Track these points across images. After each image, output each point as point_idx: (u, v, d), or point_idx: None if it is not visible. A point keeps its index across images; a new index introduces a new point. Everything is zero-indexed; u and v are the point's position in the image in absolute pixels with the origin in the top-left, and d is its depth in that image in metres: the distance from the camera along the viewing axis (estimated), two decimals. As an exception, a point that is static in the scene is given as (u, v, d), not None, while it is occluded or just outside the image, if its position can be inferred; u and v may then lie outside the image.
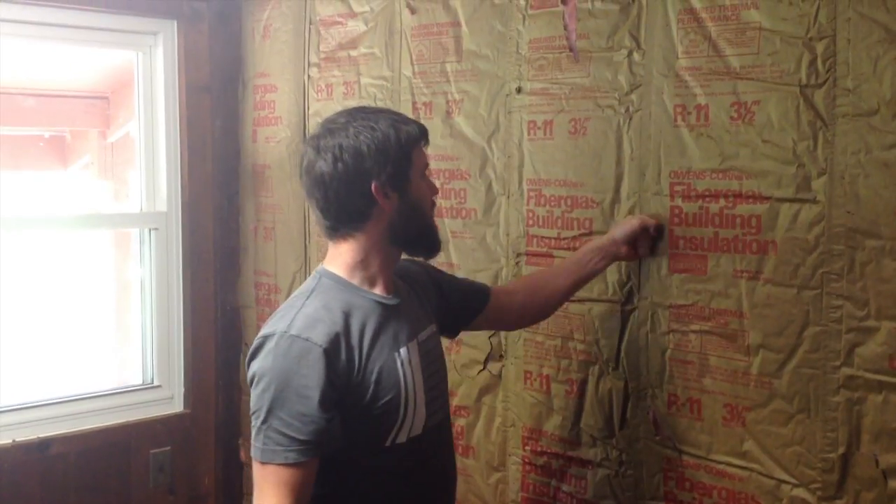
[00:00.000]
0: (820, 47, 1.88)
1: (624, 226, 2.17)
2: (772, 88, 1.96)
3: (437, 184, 2.48)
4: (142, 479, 3.26)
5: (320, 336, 1.74)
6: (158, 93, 3.34)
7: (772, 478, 2.01)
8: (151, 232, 3.35)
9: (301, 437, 1.71)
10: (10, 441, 2.99)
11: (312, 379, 1.71)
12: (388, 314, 1.87)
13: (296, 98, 3.17)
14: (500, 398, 2.57)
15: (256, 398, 1.76)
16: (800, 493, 1.96)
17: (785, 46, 1.94)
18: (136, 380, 3.41)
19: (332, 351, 1.74)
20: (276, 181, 3.29)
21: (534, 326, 2.44)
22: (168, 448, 3.32)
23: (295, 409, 1.71)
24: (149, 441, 3.28)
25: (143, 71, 3.34)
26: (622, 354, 2.27)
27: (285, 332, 1.75)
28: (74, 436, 3.12)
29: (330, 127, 1.84)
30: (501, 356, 2.55)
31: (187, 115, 3.35)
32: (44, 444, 3.04)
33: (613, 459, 2.30)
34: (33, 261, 4.46)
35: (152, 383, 3.38)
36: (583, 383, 2.36)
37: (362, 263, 1.86)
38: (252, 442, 1.76)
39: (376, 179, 1.80)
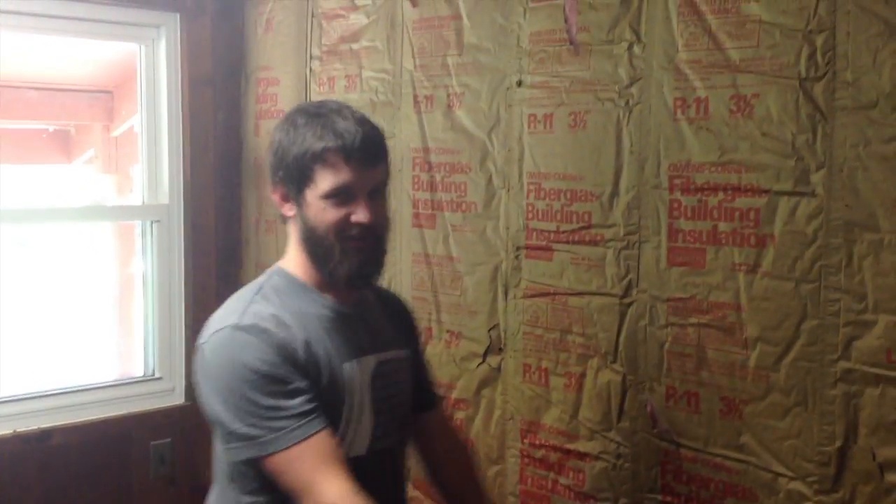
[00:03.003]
0: (819, 40, 1.88)
1: None
2: (771, 81, 1.96)
3: (437, 178, 2.48)
4: (143, 471, 3.27)
5: (273, 329, 1.66)
6: (161, 86, 3.35)
7: (769, 471, 2.01)
8: (153, 224, 3.35)
9: (304, 409, 1.63)
10: (10, 431, 2.99)
11: (282, 356, 1.64)
12: (339, 322, 1.76)
13: (298, 91, 3.18)
14: (498, 391, 2.57)
15: (224, 392, 1.66)
16: (797, 486, 1.96)
17: (784, 39, 1.94)
18: (137, 372, 3.42)
19: (284, 342, 1.66)
20: (277, 174, 3.29)
21: (533, 320, 2.44)
22: (169, 440, 3.32)
23: (284, 389, 1.64)
24: (150, 432, 3.29)
25: (146, 64, 3.35)
26: (620, 347, 2.27)
27: (240, 323, 1.67)
28: (75, 427, 3.13)
29: (284, 115, 1.78)
30: (500, 349, 2.55)
31: (190, 108, 3.35)
32: (45, 435, 3.05)
33: (611, 452, 2.30)
34: (37, 253, 4.47)
35: (153, 375, 3.38)
36: (581, 376, 2.36)
37: (306, 263, 1.77)
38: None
39: (276, 185, 1.74)
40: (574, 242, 2.35)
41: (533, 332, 2.47)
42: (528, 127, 2.44)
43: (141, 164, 3.39)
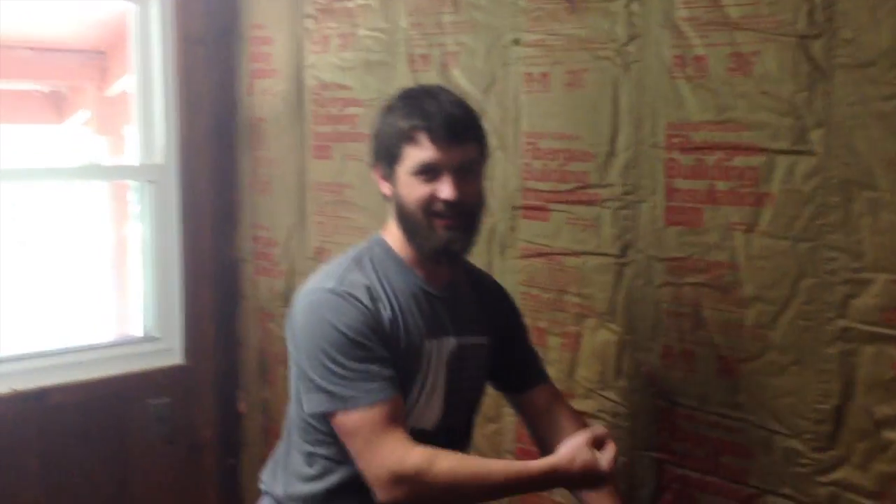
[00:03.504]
0: (819, -3, 1.87)
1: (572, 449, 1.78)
2: (770, 39, 1.94)
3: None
4: (141, 430, 3.29)
5: (365, 298, 1.79)
6: (154, 45, 3.32)
7: (765, 429, 2.02)
8: (148, 185, 3.34)
9: (385, 373, 1.76)
10: (9, 390, 3.00)
11: (368, 325, 1.77)
12: (427, 301, 1.89)
13: (292, 50, 3.15)
14: (496, 351, 2.57)
15: (314, 348, 1.78)
16: (793, 443, 1.97)
17: (784, -4, 1.92)
18: (136, 333, 3.42)
19: (374, 311, 1.79)
20: (272, 134, 3.28)
21: (529, 280, 2.45)
22: (167, 399, 3.34)
23: (367, 353, 1.76)
24: (148, 392, 3.30)
25: (139, 23, 3.32)
26: (617, 307, 2.28)
27: (336, 289, 1.79)
28: (73, 386, 3.14)
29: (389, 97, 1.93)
30: (497, 309, 2.55)
31: (183, 68, 3.33)
32: (42, 394, 3.06)
33: (608, 411, 2.31)
34: (33, 215, 4.47)
35: (151, 335, 3.39)
36: (578, 336, 2.37)
37: (404, 241, 1.88)
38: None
39: (373, 164, 1.89)
40: (570, 202, 2.34)
41: (529, 292, 2.47)
42: (525, 86, 2.43)
43: (135, 124, 3.37)
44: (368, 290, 1.81)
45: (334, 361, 1.74)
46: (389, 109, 1.86)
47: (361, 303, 1.78)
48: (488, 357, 2.02)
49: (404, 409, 1.78)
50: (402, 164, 1.81)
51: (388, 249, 1.90)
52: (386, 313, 1.81)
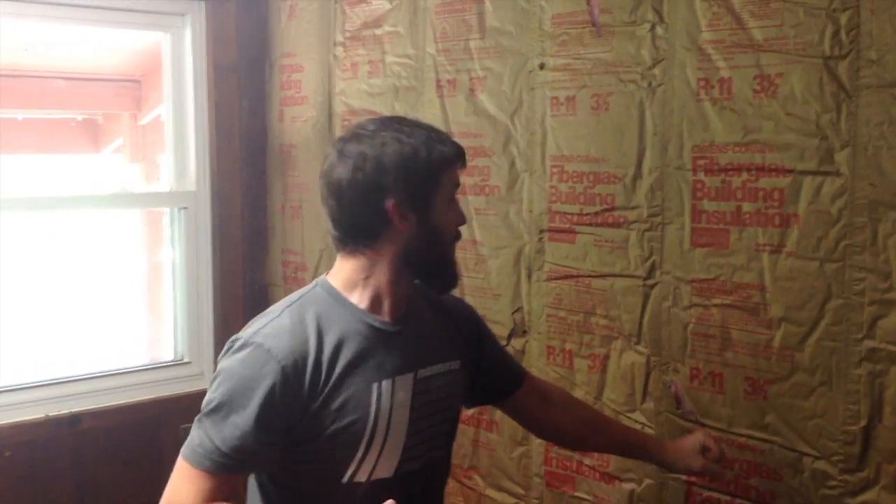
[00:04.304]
0: (843, 18, 1.87)
1: (691, 443, 1.99)
2: (795, 60, 1.95)
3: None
4: (172, 454, 3.24)
5: (283, 350, 1.62)
6: (187, 73, 3.37)
7: (793, 450, 2.01)
8: (181, 211, 3.39)
9: (223, 450, 1.59)
10: (42, 416, 3.04)
11: (258, 392, 1.59)
12: (378, 340, 1.71)
13: (321, 77, 3.19)
14: (523, 373, 2.58)
15: (208, 394, 1.66)
16: (821, 465, 1.96)
17: (808, 18, 1.93)
18: (166, 357, 3.45)
19: (290, 368, 1.61)
20: (302, 160, 3.32)
21: (556, 302, 2.45)
22: (198, 424, 3.35)
23: (230, 418, 1.60)
24: (179, 416, 3.32)
25: (172, 52, 3.38)
26: (644, 329, 2.28)
27: (251, 338, 1.65)
28: (105, 411, 3.17)
29: (358, 132, 1.70)
30: (524, 332, 2.56)
31: (215, 96, 3.38)
32: (75, 419, 3.09)
33: (636, 433, 2.31)
34: (67, 242, 4.53)
35: (182, 360, 3.42)
36: (605, 358, 2.37)
37: (364, 282, 1.71)
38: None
39: (394, 197, 1.64)
40: (597, 225, 2.35)
41: (556, 314, 2.47)
42: (551, 110, 2.45)
43: (168, 152, 3.42)
44: (297, 338, 1.64)
45: (210, 406, 1.64)
46: (402, 135, 1.67)
47: (271, 354, 1.61)
48: (465, 379, 1.88)
49: (224, 492, 1.61)
50: (440, 191, 1.69)
51: (331, 291, 1.73)
52: (322, 359, 1.64)
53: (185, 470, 1.62)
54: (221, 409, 1.61)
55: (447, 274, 1.77)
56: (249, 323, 1.71)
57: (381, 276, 1.71)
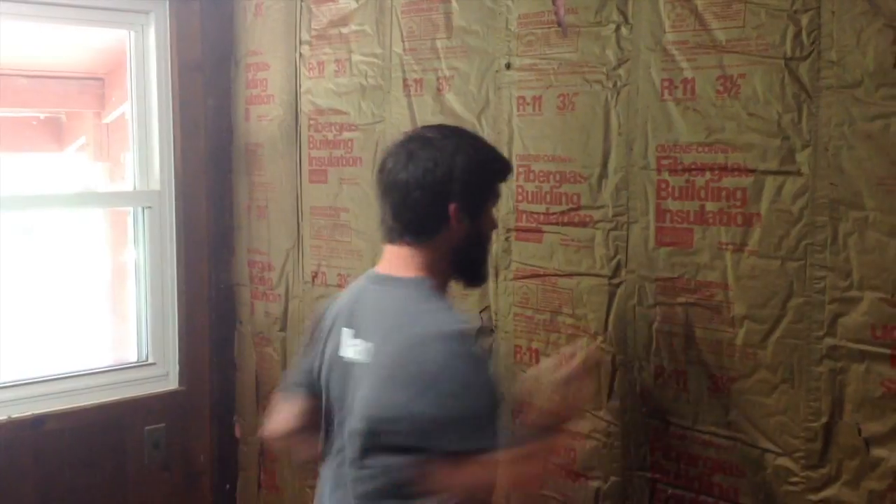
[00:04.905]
0: (804, 20, 1.90)
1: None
2: (757, 61, 1.98)
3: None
4: (137, 456, 3.28)
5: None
6: (151, 72, 3.35)
7: (756, 447, 2.03)
8: (145, 210, 3.36)
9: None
10: (5, 417, 3.01)
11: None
12: None
13: (288, 76, 3.18)
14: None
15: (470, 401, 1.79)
16: (784, 461, 1.99)
17: (770, 19, 1.95)
18: (131, 358, 3.43)
19: None
20: (268, 160, 3.30)
21: (523, 301, 2.46)
22: (163, 425, 3.34)
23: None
24: (143, 418, 3.30)
25: (136, 50, 3.35)
26: (610, 328, 2.29)
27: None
28: (69, 412, 3.14)
29: (429, 136, 1.88)
30: (492, 331, 2.56)
31: (180, 95, 3.35)
32: (38, 421, 3.06)
33: (601, 431, 2.32)
34: (29, 241, 4.48)
35: (147, 361, 3.40)
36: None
37: (435, 273, 1.88)
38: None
39: (458, 201, 1.83)
40: (563, 224, 2.36)
41: (523, 313, 2.48)
42: (517, 109, 2.46)
43: (132, 151, 3.39)
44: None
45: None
46: (477, 145, 1.91)
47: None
48: None
49: None
50: (493, 198, 1.95)
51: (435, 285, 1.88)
52: None
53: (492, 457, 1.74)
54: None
55: (483, 272, 1.99)
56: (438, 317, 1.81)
57: (438, 269, 1.88)
